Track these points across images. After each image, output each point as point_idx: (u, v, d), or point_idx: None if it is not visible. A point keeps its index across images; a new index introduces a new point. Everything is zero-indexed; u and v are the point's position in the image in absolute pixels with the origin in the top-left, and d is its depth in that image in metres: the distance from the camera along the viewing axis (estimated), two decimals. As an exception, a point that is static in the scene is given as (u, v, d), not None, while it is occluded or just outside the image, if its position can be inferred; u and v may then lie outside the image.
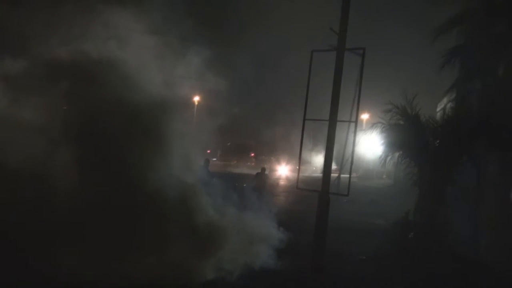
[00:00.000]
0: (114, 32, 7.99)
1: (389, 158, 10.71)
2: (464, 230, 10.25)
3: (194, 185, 8.06)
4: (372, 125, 11.03)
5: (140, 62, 8.00)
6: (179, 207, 7.35)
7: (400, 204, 11.95)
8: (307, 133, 9.89)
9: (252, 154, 48.88)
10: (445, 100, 13.62)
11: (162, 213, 7.14)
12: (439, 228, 9.51)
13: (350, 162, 9.69)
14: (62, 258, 6.25)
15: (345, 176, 28.81)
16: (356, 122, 9.23)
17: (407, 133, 10.13)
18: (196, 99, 31.69)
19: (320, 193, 8.70)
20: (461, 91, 11.51)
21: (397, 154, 10.62)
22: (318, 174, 32.45)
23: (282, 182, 27.18)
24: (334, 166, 13.04)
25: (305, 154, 35.90)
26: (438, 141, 10.07)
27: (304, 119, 9.57)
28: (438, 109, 14.56)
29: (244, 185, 14.29)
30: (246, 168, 32.20)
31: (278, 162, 38.01)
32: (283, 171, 35.24)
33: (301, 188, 10.15)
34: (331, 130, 8.70)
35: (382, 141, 10.73)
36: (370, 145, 21.72)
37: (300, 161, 10.11)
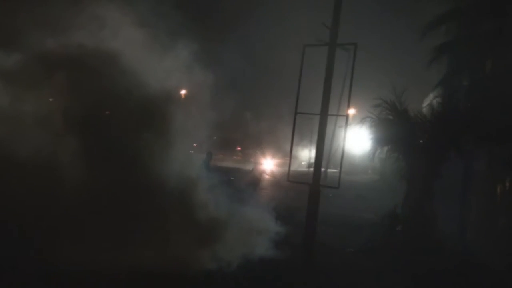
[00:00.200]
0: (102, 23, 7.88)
1: (377, 152, 10.84)
2: (451, 224, 10.42)
3: (195, 177, 8.11)
4: (361, 119, 11.13)
5: (131, 54, 7.94)
6: (179, 199, 7.38)
7: (387, 198, 12.11)
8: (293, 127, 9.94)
9: (239, 148, 48.77)
10: (431, 95, 13.76)
11: (162, 204, 7.14)
12: (427, 222, 9.69)
13: (336, 157, 9.83)
14: (67, 247, 6.26)
15: (331, 170, 29.13)
16: (347, 116, 9.35)
17: (396, 128, 10.25)
18: (183, 92, 31.41)
19: (311, 185, 8.86)
20: (449, 87, 11.65)
21: (385, 149, 10.74)
22: (304, 169, 32.60)
23: (267, 176, 27.01)
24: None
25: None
26: (426, 136, 10.22)
27: (296, 113, 9.60)
28: (424, 105, 14.71)
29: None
30: (232, 162, 32.02)
31: (264, 155, 37.89)
32: (268, 165, 35.14)
33: (292, 180, 10.24)
34: (322, 123, 8.78)
35: (371, 136, 10.83)
36: (356, 140, 21.79)
37: (291, 154, 10.14)
